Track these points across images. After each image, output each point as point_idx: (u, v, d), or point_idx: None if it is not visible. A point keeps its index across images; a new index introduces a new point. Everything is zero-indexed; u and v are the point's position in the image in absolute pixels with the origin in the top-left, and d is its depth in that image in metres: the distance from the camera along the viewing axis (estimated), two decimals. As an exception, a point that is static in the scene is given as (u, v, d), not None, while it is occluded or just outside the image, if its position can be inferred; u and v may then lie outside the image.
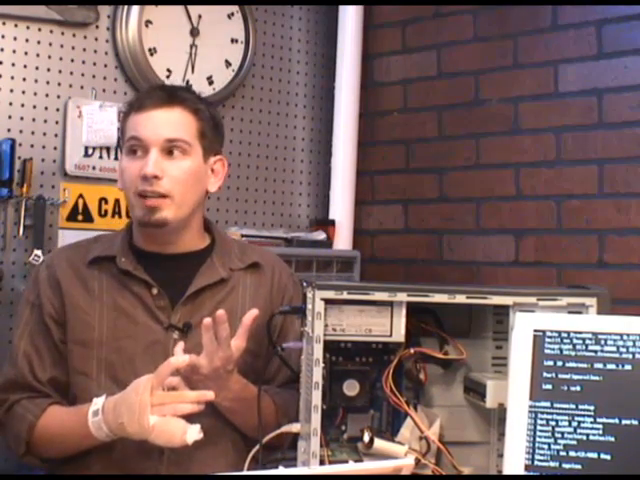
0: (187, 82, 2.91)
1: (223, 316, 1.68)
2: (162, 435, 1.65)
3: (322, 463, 1.56)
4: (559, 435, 1.45)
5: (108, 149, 2.75)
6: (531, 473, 1.46)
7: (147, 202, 1.82)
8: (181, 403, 1.67)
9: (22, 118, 2.65)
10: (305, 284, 1.61)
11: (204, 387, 1.72)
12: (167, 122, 1.86)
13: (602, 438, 1.44)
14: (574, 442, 1.45)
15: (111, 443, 1.77)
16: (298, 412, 1.62)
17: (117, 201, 2.76)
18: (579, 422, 1.45)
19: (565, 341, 1.46)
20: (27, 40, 2.66)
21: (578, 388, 1.45)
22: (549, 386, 1.46)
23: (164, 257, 1.91)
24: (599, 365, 1.45)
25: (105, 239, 1.96)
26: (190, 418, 1.78)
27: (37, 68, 2.68)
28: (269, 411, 1.80)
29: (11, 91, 2.63)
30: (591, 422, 1.44)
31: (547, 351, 1.47)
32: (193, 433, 1.66)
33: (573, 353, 1.46)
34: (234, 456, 1.84)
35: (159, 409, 1.65)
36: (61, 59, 2.72)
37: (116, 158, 2.72)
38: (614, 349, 1.45)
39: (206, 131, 1.91)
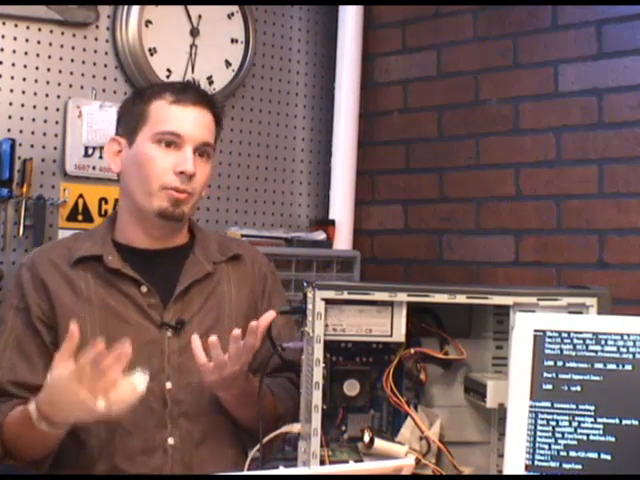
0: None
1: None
2: (120, 405, 1.58)
3: (322, 463, 1.56)
4: (559, 435, 1.45)
5: (108, 149, 2.75)
6: (531, 473, 1.46)
7: (177, 195, 1.82)
8: (109, 374, 1.57)
9: (22, 118, 2.65)
10: (305, 284, 1.61)
11: (216, 384, 1.73)
12: (204, 124, 1.86)
13: (602, 438, 1.44)
14: (574, 442, 1.45)
15: (114, 444, 1.77)
16: (297, 409, 1.62)
17: (117, 201, 2.76)
18: (579, 422, 1.45)
19: (565, 341, 1.46)
20: (27, 40, 2.66)
21: (578, 388, 1.45)
22: (549, 386, 1.46)
23: (148, 253, 1.89)
24: (599, 365, 1.45)
25: (84, 237, 1.93)
26: (194, 418, 1.79)
27: (37, 68, 2.68)
28: (268, 401, 1.80)
29: (11, 91, 2.63)
30: (591, 422, 1.44)
31: (547, 351, 1.47)
32: (140, 381, 1.60)
33: (573, 353, 1.46)
34: (235, 455, 1.85)
35: (95, 389, 1.56)
36: (61, 59, 2.72)
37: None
38: (614, 349, 1.45)
39: (217, 138, 1.93)
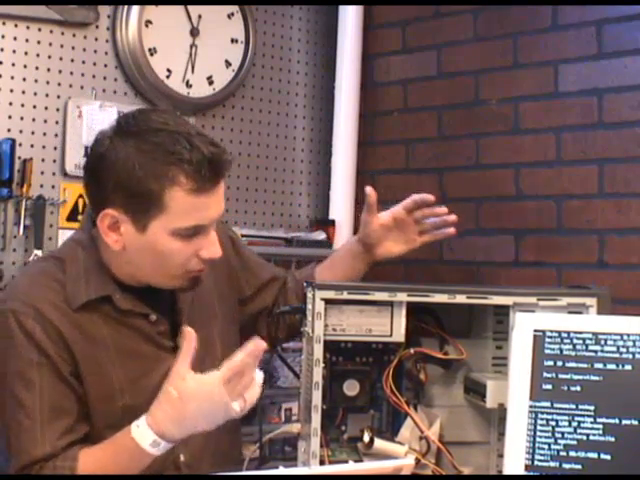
0: (187, 82, 2.91)
1: None
2: (250, 405, 1.56)
3: (322, 463, 1.57)
4: (559, 435, 1.45)
5: (108, 149, 2.75)
6: (531, 473, 1.46)
7: (199, 275, 1.71)
8: (247, 375, 1.55)
9: (22, 118, 2.65)
10: (305, 284, 1.62)
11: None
12: (222, 198, 1.68)
13: (602, 438, 1.44)
14: (574, 442, 1.45)
15: None
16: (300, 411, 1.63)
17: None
18: (579, 422, 1.45)
19: (565, 341, 1.46)
20: (27, 40, 2.65)
21: (578, 388, 1.45)
22: (549, 386, 1.46)
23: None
24: (599, 365, 1.45)
25: (73, 274, 1.72)
26: (205, 434, 1.69)
27: (37, 68, 2.68)
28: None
29: (11, 91, 2.63)
30: (591, 422, 1.44)
31: (547, 351, 1.47)
32: (260, 379, 1.56)
33: (573, 353, 1.46)
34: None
35: (235, 393, 1.53)
36: (61, 59, 2.72)
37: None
38: (614, 349, 1.45)
39: None
